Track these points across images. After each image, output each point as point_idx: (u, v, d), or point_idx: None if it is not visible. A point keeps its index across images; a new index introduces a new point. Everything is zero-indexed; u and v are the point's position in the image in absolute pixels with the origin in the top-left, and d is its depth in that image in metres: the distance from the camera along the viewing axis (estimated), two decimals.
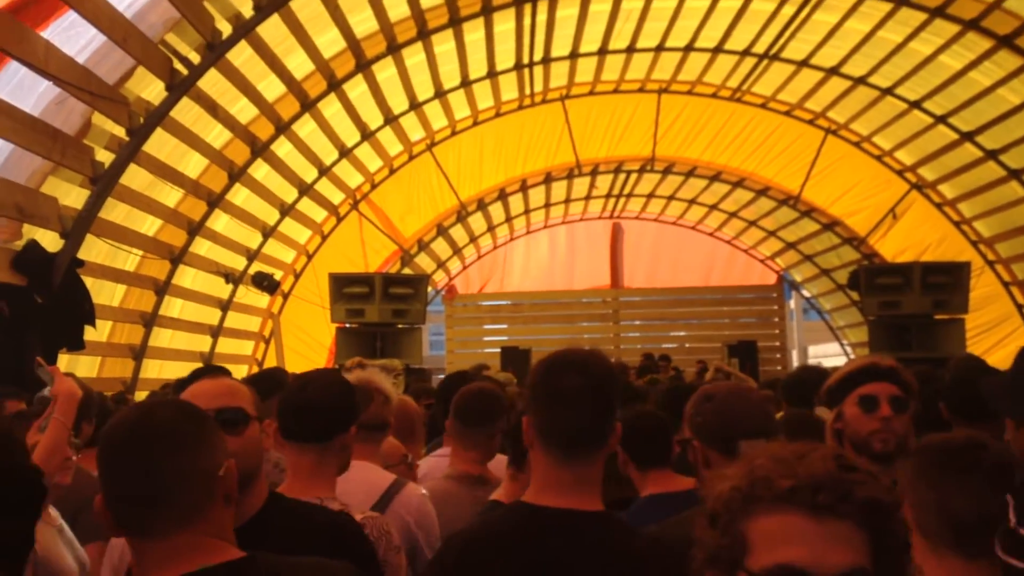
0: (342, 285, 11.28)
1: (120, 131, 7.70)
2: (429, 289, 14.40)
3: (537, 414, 2.02)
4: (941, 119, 12.04)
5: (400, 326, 11.44)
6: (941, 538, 1.80)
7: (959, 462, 1.86)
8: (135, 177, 8.36)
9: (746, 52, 12.04)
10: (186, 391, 2.21)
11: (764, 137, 14.21)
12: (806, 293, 19.34)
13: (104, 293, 8.98)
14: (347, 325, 11.39)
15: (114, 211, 8.37)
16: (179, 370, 10.69)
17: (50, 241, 7.40)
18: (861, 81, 12.07)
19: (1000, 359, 12.02)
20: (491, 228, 17.07)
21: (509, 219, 17.03)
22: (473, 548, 1.98)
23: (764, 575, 1.18)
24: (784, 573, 1.17)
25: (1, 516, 1.37)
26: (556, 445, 1.98)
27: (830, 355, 19.81)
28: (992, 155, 11.89)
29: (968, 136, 11.96)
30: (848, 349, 18.22)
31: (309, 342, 13.55)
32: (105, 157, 7.71)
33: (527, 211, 17.00)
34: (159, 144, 8.43)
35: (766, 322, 18.71)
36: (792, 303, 23.85)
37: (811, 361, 23.08)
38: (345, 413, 2.63)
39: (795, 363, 22.44)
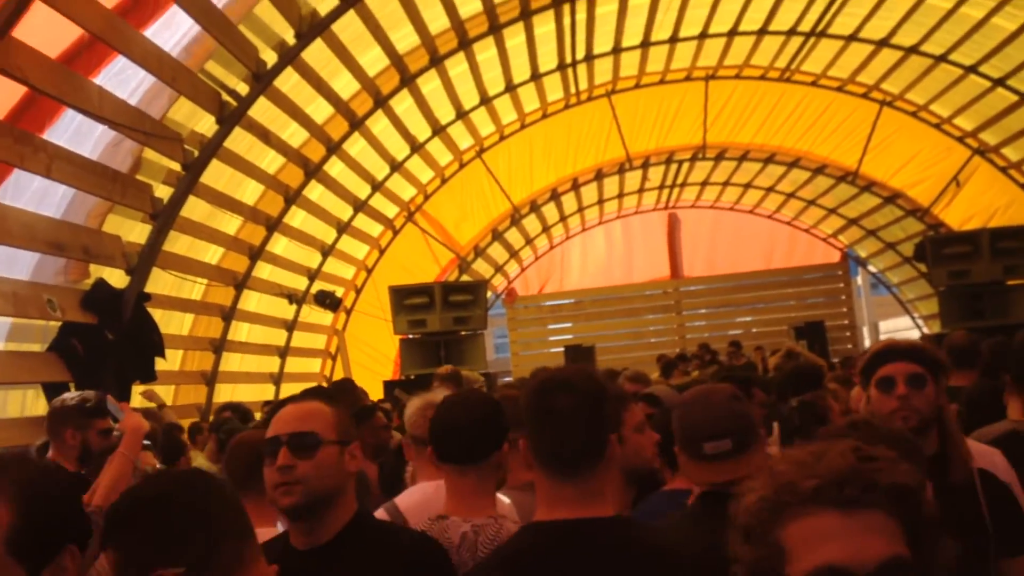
0: (402, 297, 11.40)
1: (176, 166, 7.89)
2: (489, 294, 14.47)
3: (531, 436, 2.04)
4: (999, 82, 11.69)
5: (463, 333, 11.52)
6: None
7: None
8: (194, 208, 8.54)
9: (792, 31, 11.84)
10: (275, 416, 2.28)
11: (817, 115, 13.97)
12: (872, 268, 18.93)
13: (173, 323, 9.21)
14: (410, 336, 11.50)
15: (177, 243, 8.57)
16: (250, 393, 10.96)
17: (117, 278, 7.61)
18: (913, 50, 11.78)
19: None
20: (546, 229, 17.09)
21: (563, 218, 17.02)
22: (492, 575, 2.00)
23: None
24: (826, 574, 1.16)
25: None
26: (553, 465, 2.00)
27: (901, 329, 19.37)
28: None
29: None
30: (920, 322, 17.81)
31: (375, 355, 13.73)
32: (163, 192, 7.90)
33: (580, 209, 16.97)
34: (215, 175, 8.60)
35: (833, 301, 18.38)
36: (859, 279, 23.38)
37: (883, 337, 22.60)
38: (495, 432, 2.67)
39: (866, 340, 22.03)
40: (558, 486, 1.99)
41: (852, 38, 11.79)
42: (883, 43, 11.78)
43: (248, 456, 2.85)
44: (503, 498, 3.13)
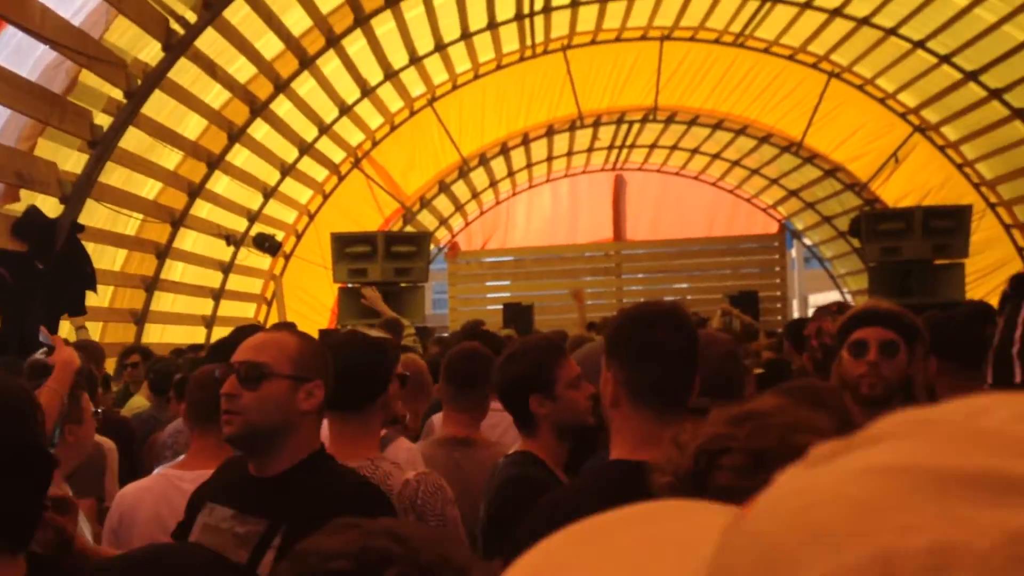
0: (344, 245, 11.21)
1: (117, 93, 7.56)
2: (432, 247, 14.31)
3: (627, 371, 1.96)
4: (945, 59, 11.86)
5: (403, 284, 11.39)
6: None
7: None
8: (133, 140, 8.24)
9: None
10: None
11: (767, 83, 14.01)
12: (807, 241, 19.26)
13: (105, 258, 8.92)
14: (349, 285, 11.33)
15: (113, 175, 8.27)
16: (181, 334, 10.70)
17: (50, 206, 7.31)
18: (864, 22, 11.87)
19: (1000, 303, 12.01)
20: (493, 183, 16.91)
21: (511, 174, 16.86)
22: (568, 509, 1.92)
23: None
24: None
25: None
26: (649, 402, 1.93)
27: None
28: (996, 94, 11.74)
29: (972, 75, 11.80)
30: (848, 297, 18.19)
31: (311, 303, 13.50)
32: (103, 120, 7.58)
33: (529, 165, 16.82)
34: (157, 106, 8.29)
35: (768, 272, 18.63)
36: (794, 252, 23.79)
37: (810, 311, 23.05)
38: (382, 376, 2.60)
39: (795, 313, 22.45)
40: (651, 424, 1.91)
41: (807, 5, 11.81)
42: (836, 12, 11.84)
43: (211, 391, 2.77)
44: (412, 446, 3.10)
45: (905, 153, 14.10)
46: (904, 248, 11.43)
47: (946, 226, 11.48)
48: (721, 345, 2.62)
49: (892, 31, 11.86)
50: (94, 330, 9.08)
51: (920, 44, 11.86)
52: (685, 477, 1.16)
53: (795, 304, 24.95)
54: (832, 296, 19.41)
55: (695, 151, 16.90)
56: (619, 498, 1.74)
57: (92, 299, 7.84)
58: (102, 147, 7.56)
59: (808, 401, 1.82)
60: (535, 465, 2.67)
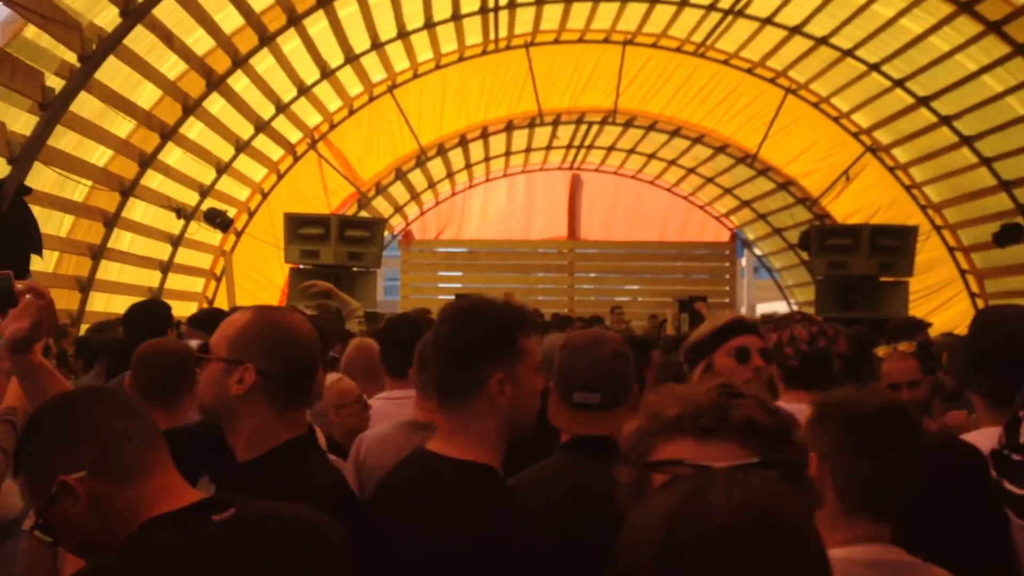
0: (297, 226, 11.22)
1: (71, 56, 7.48)
2: (385, 233, 14.33)
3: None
4: (899, 83, 12.15)
5: (355, 269, 11.43)
6: (860, 503, 1.84)
7: (886, 432, 1.88)
8: (86, 105, 8.15)
9: (711, 7, 11.99)
10: None
11: (725, 94, 14.20)
12: (758, 251, 19.58)
13: (52, 223, 8.81)
14: (300, 266, 11.32)
15: (63, 139, 8.17)
16: (126, 304, 10.54)
17: None
18: (823, 41, 12.12)
19: (942, 322, 12.35)
20: (450, 174, 16.94)
21: (469, 166, 16.91)
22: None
23: None
24: None
25: None
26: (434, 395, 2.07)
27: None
28: (946, 121, 12.06)
29: (924, 101, 12.11)
30: (795, 308, 18.54)
31: (261, 281, 13.44)
32: (55, 83, 7.50)
33: (487, 159, 16.89)
34: (111, 73, 8.22)
35: (718, 279, 18.97)
36: (744, 261, 24.11)
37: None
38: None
39: None
40: (440, 418, 2.00)
41: (767, 21, 12.01)
42: (795, 30, 12.06)
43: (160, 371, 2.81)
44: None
45: (856, 172, 14.40)
46: (851, 263, 11.71)
47: (892, 245, 11.79)
48: (610, 344, 2.61)
49: (849, 52, 12.11)
50: None
51: (875, 67, 12.13)
52: (704, 413, 1.27)
53: (743, 312, 25.29)
54: (780, 306, 19.75)
55: (652, 156, 17.08)
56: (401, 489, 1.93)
57: (36, 263, 7.75)
58: (53, 110, 7.48)
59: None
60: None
